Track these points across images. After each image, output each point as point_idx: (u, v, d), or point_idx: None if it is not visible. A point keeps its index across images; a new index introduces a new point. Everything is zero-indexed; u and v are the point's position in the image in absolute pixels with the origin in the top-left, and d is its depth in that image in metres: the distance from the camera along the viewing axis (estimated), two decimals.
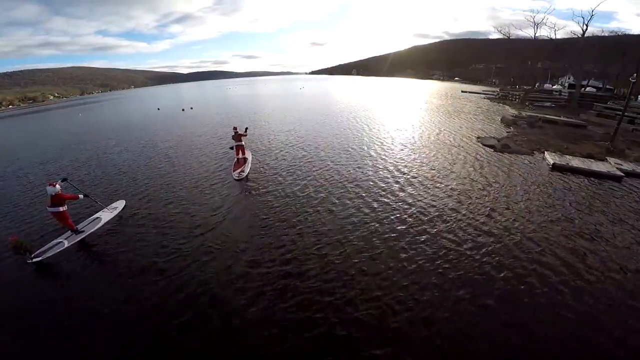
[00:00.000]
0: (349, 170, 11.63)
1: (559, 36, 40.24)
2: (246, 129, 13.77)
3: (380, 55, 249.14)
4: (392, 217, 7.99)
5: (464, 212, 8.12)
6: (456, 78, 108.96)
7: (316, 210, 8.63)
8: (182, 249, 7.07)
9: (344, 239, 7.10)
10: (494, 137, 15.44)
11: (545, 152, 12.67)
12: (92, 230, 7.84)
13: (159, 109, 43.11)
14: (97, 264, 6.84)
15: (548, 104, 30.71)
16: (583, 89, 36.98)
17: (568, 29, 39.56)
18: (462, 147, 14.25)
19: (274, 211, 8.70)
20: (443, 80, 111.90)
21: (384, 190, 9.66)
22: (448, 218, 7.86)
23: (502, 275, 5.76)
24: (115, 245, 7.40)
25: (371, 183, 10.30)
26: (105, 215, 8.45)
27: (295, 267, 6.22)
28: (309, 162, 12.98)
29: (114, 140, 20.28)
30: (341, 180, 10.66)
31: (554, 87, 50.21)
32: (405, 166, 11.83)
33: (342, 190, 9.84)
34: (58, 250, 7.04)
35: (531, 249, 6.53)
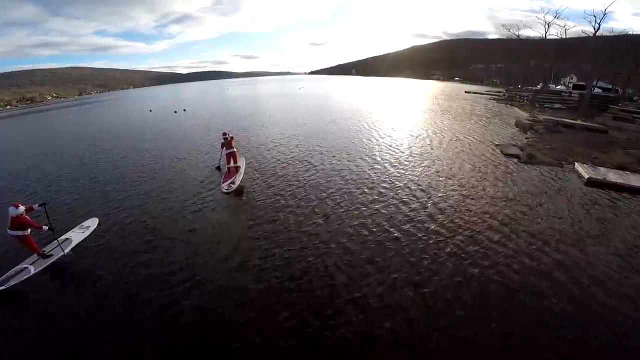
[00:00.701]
0: (361, 188, 10.02)
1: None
2: (231, 138, 12.19)
3: (379, 55, 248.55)
4: (424, 257, 6.36)
5: (511, 248, 6.65)
6: (456, 78, 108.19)
7: (323, 244, 6.99)
8: (163, 274, 6.26)
9: (364, 297, 5.41)
10: (514, 145, 14.09)
11: (576, 163, 11.38)
12: (62, 253, 6.89)
13: (151, 110, 41.78)
14: (69, 293, 6.03)
15: (558, 105, 29.45)
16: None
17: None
18: (485, 157, 12.76)
19: (266, 235, 7.50)
20: (443, 80, 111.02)
21: (409, 219, 7.94)
22: (495, 257, 6.33)
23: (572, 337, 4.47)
24: (88, 271, 6.62)
25: (392, 208, 8.60)
26: (76, 236, 7.48)
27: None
28: (312, 176, 11.45)
29: (96, 148, 18.79)
30: (353, 202, 9.04)
31: (557, 87, 49.15)
32: (429, 184, 10.09)
33: (356, 216, 8.21)
34: (23, 278, 6.22)
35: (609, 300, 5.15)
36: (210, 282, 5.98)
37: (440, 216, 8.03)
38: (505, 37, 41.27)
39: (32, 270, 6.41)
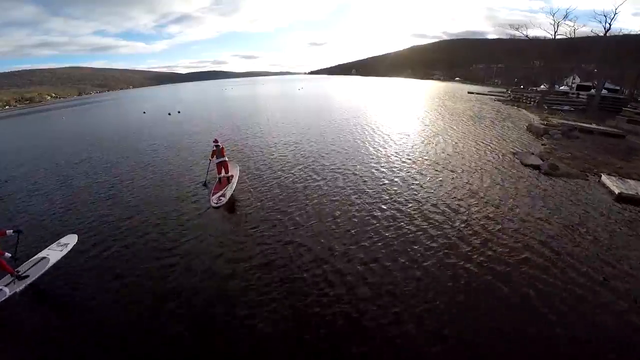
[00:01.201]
0: (372, 209, 8.67)
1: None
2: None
3: (379, 55, 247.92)
4: (458, 300, 5.33)
5: (561, 280, 5.67)
6: (457, 78, 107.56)
7: (329, 288, 5.73)
8: (145, 296, 5.83)
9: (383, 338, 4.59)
10: (533, 154, 13.00)
11: (602, 175, 10.37)
12: (39, 273, 6.42)
13: (144, 112, 40.49)
14: (48, 316, 5.67)
15: (567, 107, 28.39)
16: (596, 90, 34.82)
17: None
18: (504, 169, 11.57)
19: (259, 265, 6.50)
20: (444, 80, 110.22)
21: (435, 250, 6.68)
22: (546, 296, 5.32)
23: None
24: (67, 291, 6.18)
25: (411, 236, 7.24)
26: (54, 254, 6.93)
27: None
28: (315, 192, 10.21)
29: (82, 154, 17.56)
30: (364, 228, 7.67)
31: (560, 88, 48.16)
32: (451, 205, 8.75)
33: (369, 249, 6.83)
34: None
35: None
36: (197, 308, 5.42)
37: (469, 247, 6.78)
38: (512, 36, 39.97)
39: (7, 292, 5.93)
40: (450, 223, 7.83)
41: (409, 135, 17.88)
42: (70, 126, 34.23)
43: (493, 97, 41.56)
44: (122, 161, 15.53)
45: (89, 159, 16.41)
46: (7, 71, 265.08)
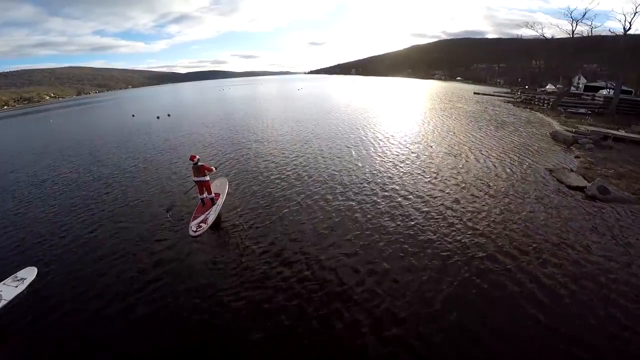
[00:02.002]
0: (393, 250, 6.74)
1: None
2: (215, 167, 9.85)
3: (379, 55, 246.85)
4: None
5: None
6: (458, 78, 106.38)
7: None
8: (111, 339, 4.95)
9: None
10: (572, 170, 11.01)
11: None
12: None
13: (133, 115, 38.28)
14: None
15: (583, 110, 26.42)
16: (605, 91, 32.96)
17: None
18: (543, 191, 9.51)
19: (245, 313, 5.14)
20: (445, 80, 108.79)
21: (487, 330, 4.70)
22: None
23: None
24: (25, 335, 5.24)
25: (431, 284, 5.65)
26: (8, 291, 5.97)
27: None
28: (317, 218, 8.44)
29: (51, 170, 15.39)
30: (380, 282, 5.81)
31: (557, 87, 46.48)
32: (487, 245, 6.78)
33: (382, 306, 5.21)
34: None
35: None
36: None
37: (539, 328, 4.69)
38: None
39: None
40: (508, 274, 5.86)
41: (423, 144, 15.75)
42: (51, 132, 31.53)
43: (501, 98, 39.80)
44: (92, 179, 13.37)
45: (56, 177, 14.08)
46: (6, 71, 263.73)
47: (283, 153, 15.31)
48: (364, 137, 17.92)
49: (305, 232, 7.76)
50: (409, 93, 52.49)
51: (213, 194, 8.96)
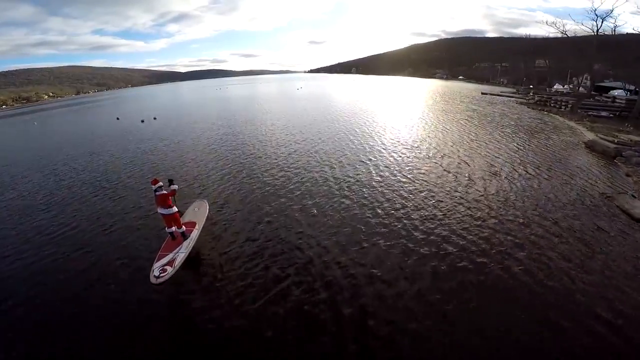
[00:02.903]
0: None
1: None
2: (170, 181, 7.50)
3: (379, 54, 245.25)
4: None
5: None
6: (460, 77, 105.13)
7: None
8: None
9: None
10: (633, 195, 9.25)
11: None
12: None
13: (118, 118, 36.15)
14: None
15: (604, 113, 24.54)
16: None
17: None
18: (606, 225, 7.69)
19: None
20: (447, 79, 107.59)
21: None
22: None
23: None
24: None
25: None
26: None
27: None
28: (320, 259, 6.82)
29: (5, 189, 13.35)
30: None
31: (564, 87, 45.45)
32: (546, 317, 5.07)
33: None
34: None
35: None
36: None
37: None
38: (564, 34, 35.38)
39: None
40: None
41: (467, 164, 12.78)
42: (32, 137, 29.22)
43: (511, 98, 38.49)
44: (44, 202, 11.23)
45: (11, 197, 12.18)
46: (5, 70, 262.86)
47: (282, 170, 13.10)
48: (381, 151, 15.12)
49: (314, 289, 5.87)
50: (415, 93, 50.73)
51: (184, 228, 7.29)
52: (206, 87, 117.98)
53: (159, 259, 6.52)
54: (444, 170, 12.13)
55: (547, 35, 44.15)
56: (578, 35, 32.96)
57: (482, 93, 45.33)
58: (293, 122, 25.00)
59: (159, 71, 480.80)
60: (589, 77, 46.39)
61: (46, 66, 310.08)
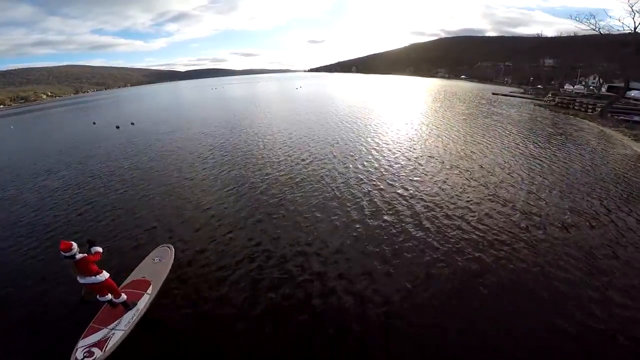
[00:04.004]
0: None
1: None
2: (91, 243, 4.87)
3: (379, 53, 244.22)
4: None
5: None
6: (462, 76, 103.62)
7: None
8: None
9: None
10: None
11: None
12: None
13: (94, 123, 32.56)
14: None
15: (637, 118, 22.02)
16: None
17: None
18: None
19: None
20: (449, 78, 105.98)
21: None
22: None
23: None
24: None
25: None
26: None
27: None
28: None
29: None
30: None
31: (575, 87, 43.82)
32: None
33: None
34: None
35: None
36: None
37: None
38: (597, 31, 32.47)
39: None
40: None
41: (513, 186, 10.08)
42: None
43: (524, 99, 36.65)
44: None
45: None
46: (4, 70, 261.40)
47: (279, 182, 10.79)
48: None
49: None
50: (425, 94, 47.72)
51: (123, 297, 5.08)
52: (205, 86, 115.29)
53: (86, 335, 4.62)
54: (494, 195, 9.36)
55: (559, 34, 42.12)
56: (606, 33, 29.77)
57: (493, 94, 43.99)
58: (291, 132, 20.34)
59: (159, 70, 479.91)
60: (597, 77, 44.79)
61: (45, 65, 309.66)
